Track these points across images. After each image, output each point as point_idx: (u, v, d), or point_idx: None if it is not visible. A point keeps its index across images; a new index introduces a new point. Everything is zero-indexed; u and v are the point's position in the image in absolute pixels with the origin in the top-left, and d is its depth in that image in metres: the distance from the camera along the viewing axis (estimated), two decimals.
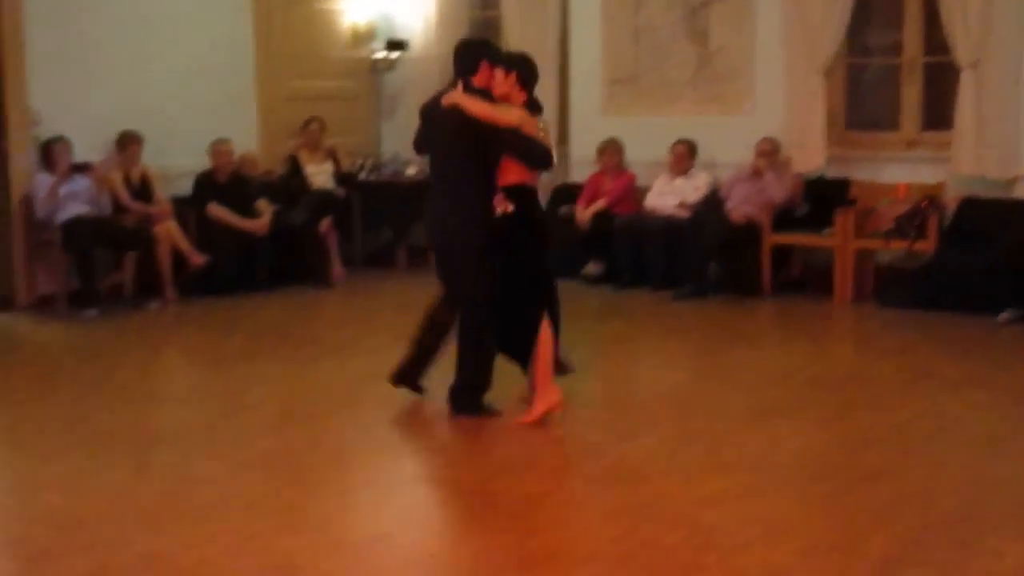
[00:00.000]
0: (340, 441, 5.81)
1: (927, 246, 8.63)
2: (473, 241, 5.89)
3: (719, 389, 6.70)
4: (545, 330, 5.87)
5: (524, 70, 5.96)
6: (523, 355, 5.93)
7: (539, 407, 5.84)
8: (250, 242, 9.68)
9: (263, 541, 4.40)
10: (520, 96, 5.92)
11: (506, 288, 5.88)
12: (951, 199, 8.90)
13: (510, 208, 5.83)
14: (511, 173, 5.87)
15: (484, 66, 5.94)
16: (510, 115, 5.80)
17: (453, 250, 6.01)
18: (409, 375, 6.27)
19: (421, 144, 6.35)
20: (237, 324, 8.62)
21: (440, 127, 5.99)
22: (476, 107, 5.82)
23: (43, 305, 9.15)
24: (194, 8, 10.13)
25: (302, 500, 4.90)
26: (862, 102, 9.82)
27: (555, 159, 6.02)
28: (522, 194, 5.89)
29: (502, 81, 5.90)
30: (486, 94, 5.92)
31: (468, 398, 6.02)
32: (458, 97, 5.87)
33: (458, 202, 5.94)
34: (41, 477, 5.24)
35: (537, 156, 5.88)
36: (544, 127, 6.05)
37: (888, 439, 5.65)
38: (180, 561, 4.24)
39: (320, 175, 10.44)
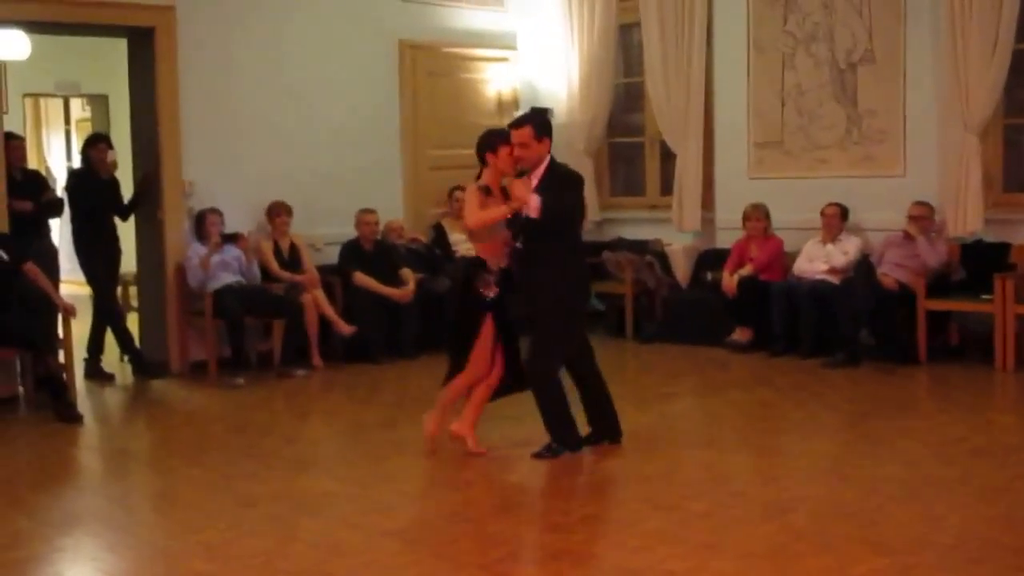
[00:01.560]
0: (481, 511, 5.75)
1: None
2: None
3: (873, 461, 6.45)
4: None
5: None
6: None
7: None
8: (395, 309, 9.76)
9: None
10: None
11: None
12: None
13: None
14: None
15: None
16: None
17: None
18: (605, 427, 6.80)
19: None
20: (382, 391, 8.67)
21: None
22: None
23: (195, 371, 9.37)
24: (341, 80, 10.36)
25: (443, 572, 4.83)
26: (1021, 163, 9.49)
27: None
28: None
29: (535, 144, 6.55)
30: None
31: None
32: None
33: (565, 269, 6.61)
34: (189, 544, 5.29)
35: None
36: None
37: None
38: None
39: (464, 243, 10.45)
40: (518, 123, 6.60)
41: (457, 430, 6.66)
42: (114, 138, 10.06)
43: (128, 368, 9.48)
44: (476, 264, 6.64)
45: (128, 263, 9.88)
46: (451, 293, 9.97)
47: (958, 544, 5.00)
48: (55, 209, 9.33)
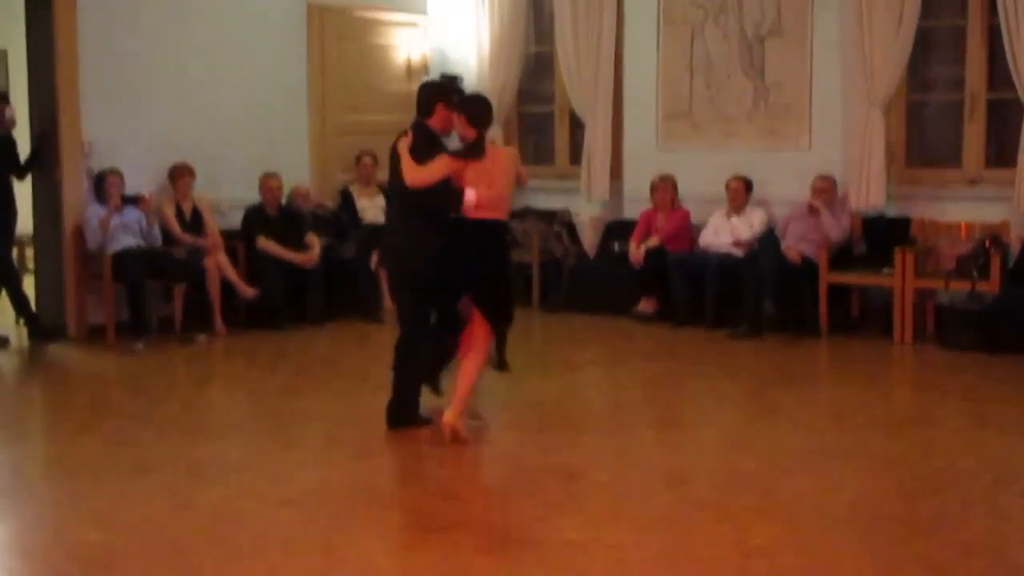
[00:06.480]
0: (381, 481, 5.71)
1: (990, 286, 8.41)
2: (410, 267, 6.35)
3: (773, 431, 6.52)
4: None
5: (474, 110, 6.33)
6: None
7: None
8: (301, 275, 9.64)
9: None
10: (471, 133, 6.26)
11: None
12: (1015, 238, 8.68)
13: None
14: None
15: (439, 108, 6.35)
16: (419, 174, 6.19)
17: (397, 275, 6.55)
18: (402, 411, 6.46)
19: None
20: (285, 358, 8.57)
21: (394, 165, 6.41)
22: (403, 161, 6.25)
23: (93, 336, 9.16)
24: (248, 41, 10.16)
25: (339, 541, 4.78)
26: (923, 138, 9.63)
27: (470, 199, 6.17)
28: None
29: (456, 122, 6.33)
30: (434, 137, 6.37)
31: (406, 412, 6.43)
32: (402, 149, 6.28)
33: (401, 233, 6.44)
34: (80, 511, 5.17)
35: (439, 204, 6.26)
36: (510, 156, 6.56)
37: (949, 487, 5.43)
38: None
39: (372, 209, 10.38)
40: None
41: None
42: (14, 95, 9.76)
43: (24, 331, 9.24)
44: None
45: (25, 224, 9.61)
46: (356, 260, 9.90)
47: (852, 513, 5.07)
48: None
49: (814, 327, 9.02)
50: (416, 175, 6.19)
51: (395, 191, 6.52)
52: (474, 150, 6.24)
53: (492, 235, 6.34)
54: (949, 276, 8.57)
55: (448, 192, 6.22)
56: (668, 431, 6.76)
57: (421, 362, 6.48)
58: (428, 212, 6.29)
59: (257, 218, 9.70)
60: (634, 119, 10.66)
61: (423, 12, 11.56)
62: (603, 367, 8.55)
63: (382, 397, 6.55)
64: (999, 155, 9.08)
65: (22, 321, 9.28)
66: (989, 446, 6.13)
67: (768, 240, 9.32)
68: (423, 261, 6.29)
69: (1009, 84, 8.65)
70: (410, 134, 6.32)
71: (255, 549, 4.66)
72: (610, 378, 8.24)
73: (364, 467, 5.90)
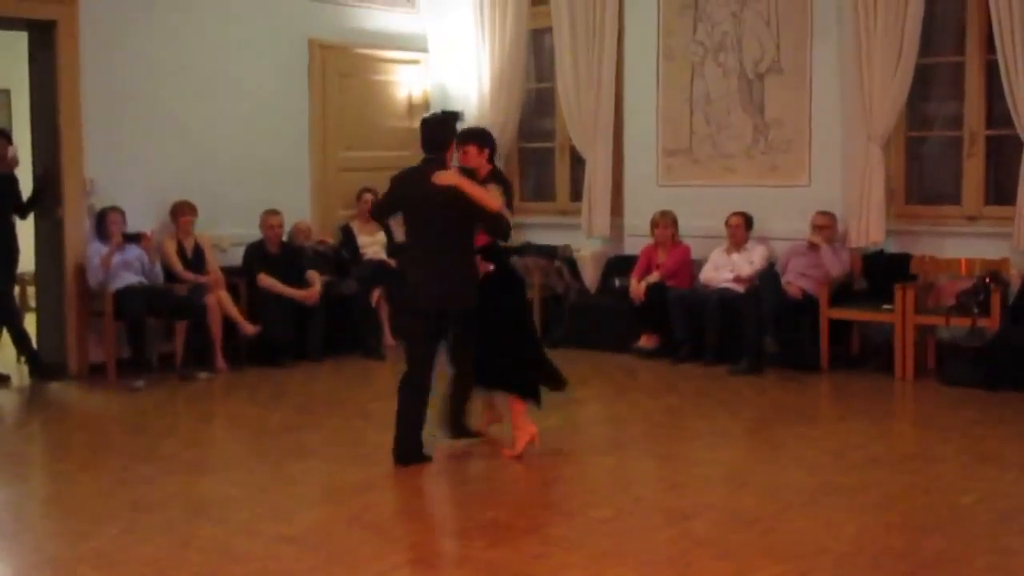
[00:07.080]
0: (382, 517, 5.69)
1: (990, 323, 8.41)
2: (470, 303, 6.42)
3: (774, 468, 6.51)
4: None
5: (492, 146, 6.65)
6: (505, 388, 6.68)
7: (520, 440, 6.53)
8: (302, 312, 9.66)
9: None
10: (487, 168, 6.53)
11: (494, 333, 6.51)
12: (1015, 275, 8.68)
13: (491, 267, 6.54)
14: (480, 237, 6.54)
15: (452, 144, 6.52)
16: (496, 201, 6.33)
17: (452, 311, 6.49)
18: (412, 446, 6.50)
19: (386, 211, 7.08)
20: (286, 395, 8.56)
21: (432, 201, 6.34)
22: (474, 191, 6.28)
23: (94, 374, 9.17)
24: (249, 78, 10.22)
25: None
26: (922, 175, 9.66)
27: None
28: (497, 252, 6.61)
29: (476, 156, 6.50)
30: (469, 172, 6.43)
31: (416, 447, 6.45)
32: (456, 179, 6.28)
33: (456, 267, 6.41)
34: (79, 551, 5.15)
35: (503, 232, 6.51)
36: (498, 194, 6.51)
37: (951, 524, 5.42)
38: None
39: (373, 246, 10.41)
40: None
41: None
42: (17, 134, 9.81)
43: (24, 370, 9.24)
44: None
45: (26, 262, 9.63)
46: (357, 297, 9.93)
47: (854, 551, 5.05)
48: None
49: (815, 363, 9.02)
50: (482, 195, 6.30)
51: (425, 227, 6.47)
52: (507, 186, 6.66)
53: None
54: (949, 312, 8.58)
55: (505, 223, 6.49)
56: (668, 467, 6.74)
57: (425, 399, 6.49)
58: (467, 243, 6.48)
59: (258, 255, 9.73)
60: (634, 155, 10.70)
61: (424, 49, 11.63)
62: (604, 403, 8.54)
63: (383, 433, 6.55)
64: (998, 192, 9.10)
65: (23, 359, 9.28)
66: (991, 483, 6.10)
67: (768, 276, 9.33)
68: (465, 298, 6.42)
69: (1008, 121, 8.68)
70: (455, 170, 6.41)
71: None
72: (611, 414, 8.23)
73: (365, 503, 5.89)
